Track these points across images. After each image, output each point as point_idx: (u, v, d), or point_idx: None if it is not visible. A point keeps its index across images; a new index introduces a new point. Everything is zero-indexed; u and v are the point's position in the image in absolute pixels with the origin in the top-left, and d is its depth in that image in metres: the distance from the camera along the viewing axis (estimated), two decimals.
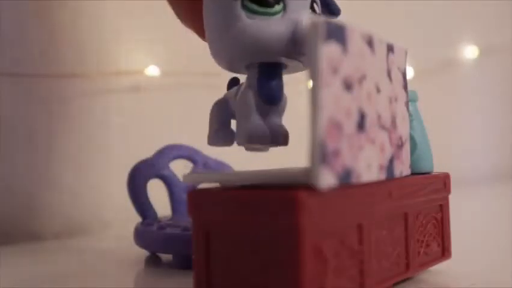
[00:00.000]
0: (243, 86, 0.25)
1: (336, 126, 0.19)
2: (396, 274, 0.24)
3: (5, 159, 0.43)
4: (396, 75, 0.24)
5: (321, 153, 0.18)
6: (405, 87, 0.25)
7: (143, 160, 0.37)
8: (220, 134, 0.27)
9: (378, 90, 0.22)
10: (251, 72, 0.25)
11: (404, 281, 0.25)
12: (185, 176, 0.24)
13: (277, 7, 0.24)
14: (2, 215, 0.43)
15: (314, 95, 0.18)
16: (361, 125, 0.21)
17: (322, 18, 0.19)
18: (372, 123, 0.22)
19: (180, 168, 0.38)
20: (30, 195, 0.44)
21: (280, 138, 0.25)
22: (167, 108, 0.52)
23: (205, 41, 0.26)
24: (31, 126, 0.44)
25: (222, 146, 0.27)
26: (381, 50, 0.23)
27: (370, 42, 0.22)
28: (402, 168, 0.25)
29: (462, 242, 0.29)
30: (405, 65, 0.25)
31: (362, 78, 0.21)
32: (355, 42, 0.20)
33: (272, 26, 0.23)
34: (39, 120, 0.45)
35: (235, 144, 0.27)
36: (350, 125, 0.20)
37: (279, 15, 0.24)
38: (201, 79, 0.52)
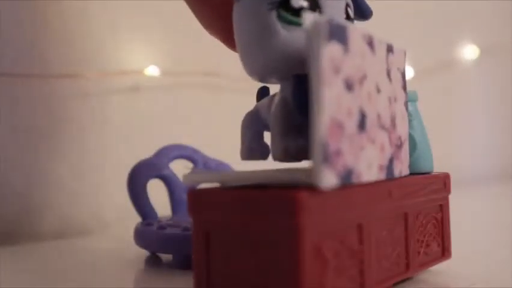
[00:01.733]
0: (276, 98, 0.24)
1: (338, 126, 0.19)
2: (396, 274, 0.24)
3: (4, 159, 0.43)
4: (396, 76, 0.24)
5: (323, 153, 0.18)
6: (404, 87, 0.25)
7: (143, 160, 0.37)
8: (253, 148, 0.26)
9: (378, 91, 0.22)
10: (285, 83, 0.24)
11: (404, 281, 0.25)
12: (185, 176, 0.24)
13: None
14: (2, 215, 0.43)
15: (316, 94, 0.18)
16: (362, 125, 0.21)
17: (323, 18, 0.19)
18: (373, 123, 0.22)
19: (180, 168, 0.38)
20: (30, 195, 0.44)
21: None
22: (167, 108, 0.52)
23: (234, 50, 0.26)
24: (31, 126, 0.44)
25: (256, 160, 0.26)
26: (381, 50, 0.23)
27: (370, 43, 0.22)
28: (402, 168, 0.25)
29: (462, 242, 0.29)
30: (404, 66, 0.26)
31: (362, 78, 0.21)
32: (356, 42, 0.20)
33: None
34: (39, 120, 0.45)
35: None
36: (351, 125, 0.20)
37: None
38: (201, 79, 0.52)
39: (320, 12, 0.23)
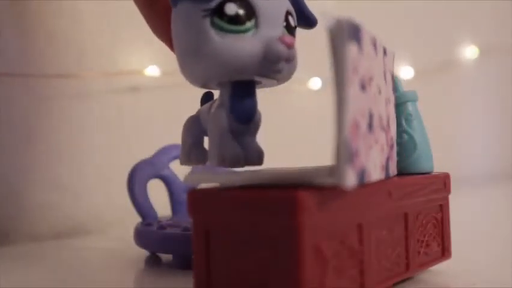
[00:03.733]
0: (215, 104, 0.24)
1: (356, 126, 0.19)
2: (396, 274, 0.24)
3: (4, 159, 0.43)
4: (388, 78, 0.25)
5: (347, 153, 0.18)
6: (394, 89, 0.26)
7: (143, 160, 0.37)
8: (192, 154, 0.26)
9: (379, 92, 0.22)
10: (223, 90, 0.24)
11: (404, 281, 0.25)
12: (186, 177, 0.24)
13: (249, 24, 0.22)
14: (2, 215, 0.43)
15: (340, 94, 0.18)
16: (370, 126, 0.21)
17: (345, 18, 0.18)
18: (377, 124, 0.22)
19: (180, 168, 0.38)
20: (30, 195, 0.44)
21: (254, 158, 0.24)
22: (167, 108, 0.51)
23: None
24: (31, 126, 0.44)
25: (194, 165, 0.26)
26: (380, 52, 0.23)
27: (374, 44, 0.22)
28: (393, 168, 0.25)
29: (462, 242, 0.29)
30: (393, 68, 0.26)
31: (370, 79, 0.21)
32: (367, 43, 0.20)
33: (244, 45, 0.22)
34: (39, 120, 0.45)
35: None
36: (364, 125, 0.20)
37: (250, 33, 0.22)
38: None
39: (256, 19, 0.22)
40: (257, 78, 0.23)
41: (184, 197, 0.37)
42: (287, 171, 0.21)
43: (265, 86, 0.25)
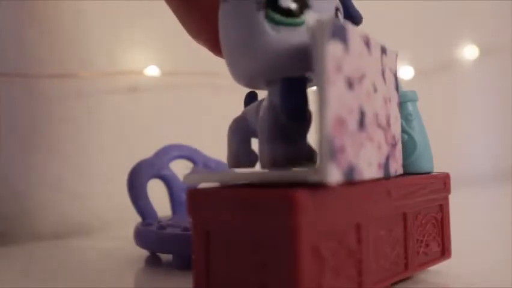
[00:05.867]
0: (264, 103, 0.24)
1: (341, 123, 0.19)
2: (394, 274, 0.24)
3: (4, 159, 0.43)
4: (389, 76, 0.25)
5: (329, 150, 0.18)
6: (396, 88, 0.26)
7: (143, 160, 0.37)
8: (241, 156, 0.25)
9: (375, 90, 0.22)
10: (273, 88, 0.23)
11: (403, 280, 0.25)
12: (185, 177, 0.24)
13: (303, 17, 0.22)
14: (1, 215, 0.43)
15: (321, 91, 0.19)
16: (361, 123, 0.21)
17: (327, 18, 0.19)
18: (371, 122, 0.22)
19: (180, 168, 0.38)
20: (30, 195, 0.44)
21: (307, 158, 0.23)
22: (167, 108, 0.52)
23: (221, 56, 0.25)
24: (31, 126, 0.44)
25: (244, 167, 0.25)
26: (376, 50, 0.23)
27: (367, 43, 0.22)
28: (397, 167, 0.25)
29: (462, 242, 0.29)
30: (396, 67, 0.26)
31: (361, 78, 0.21)
32: (355, 42, 0.21)
33: (298, 38, 0.22)
34: (39, 120, 0.45)
35: None
36: (352, 123, 0.20)
37: (305, 26, 0.22)
38: (200, 79, 0.52)
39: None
40: (309, 75, 0.23)
41: (184, 197, 0.37)
42: (282, 171, 0.21)
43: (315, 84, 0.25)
